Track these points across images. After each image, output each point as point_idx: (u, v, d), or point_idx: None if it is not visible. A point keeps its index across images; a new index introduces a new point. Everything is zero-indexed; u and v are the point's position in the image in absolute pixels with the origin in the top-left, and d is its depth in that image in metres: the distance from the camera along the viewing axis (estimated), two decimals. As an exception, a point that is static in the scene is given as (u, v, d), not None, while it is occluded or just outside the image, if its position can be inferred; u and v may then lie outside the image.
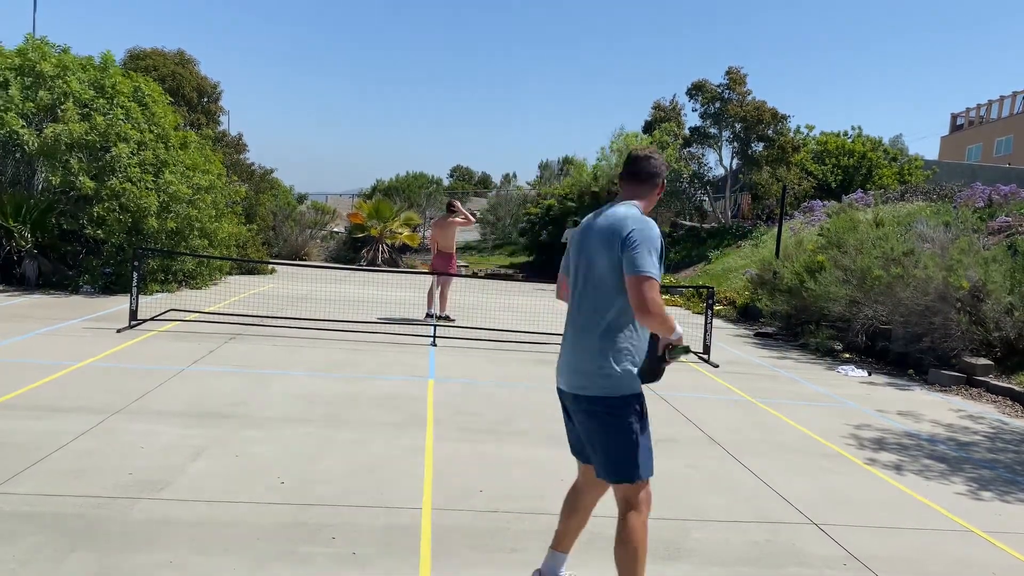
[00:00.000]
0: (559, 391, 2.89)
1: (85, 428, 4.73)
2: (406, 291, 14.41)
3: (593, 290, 2.74)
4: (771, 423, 6.35)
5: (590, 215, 2.91)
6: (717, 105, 22.54)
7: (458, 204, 11.30)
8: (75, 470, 4.03)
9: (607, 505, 4.10)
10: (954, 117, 54.82)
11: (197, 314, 9.41)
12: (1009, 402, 7.87)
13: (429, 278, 11.43)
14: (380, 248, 24.03)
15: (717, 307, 13.53)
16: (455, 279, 11.27)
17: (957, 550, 3.93)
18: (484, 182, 57.95)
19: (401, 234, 24.94)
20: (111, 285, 11.34)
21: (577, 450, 2.97)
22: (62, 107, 11.54)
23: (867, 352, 10.20)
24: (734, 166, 23.70)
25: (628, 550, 2.70)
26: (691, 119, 45.01)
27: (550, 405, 6.32)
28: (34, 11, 36.27)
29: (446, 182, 48.80)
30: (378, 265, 22.95)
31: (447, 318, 10.52)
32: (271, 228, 22.24)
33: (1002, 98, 48.79)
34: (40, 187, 12.26)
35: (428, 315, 10.60)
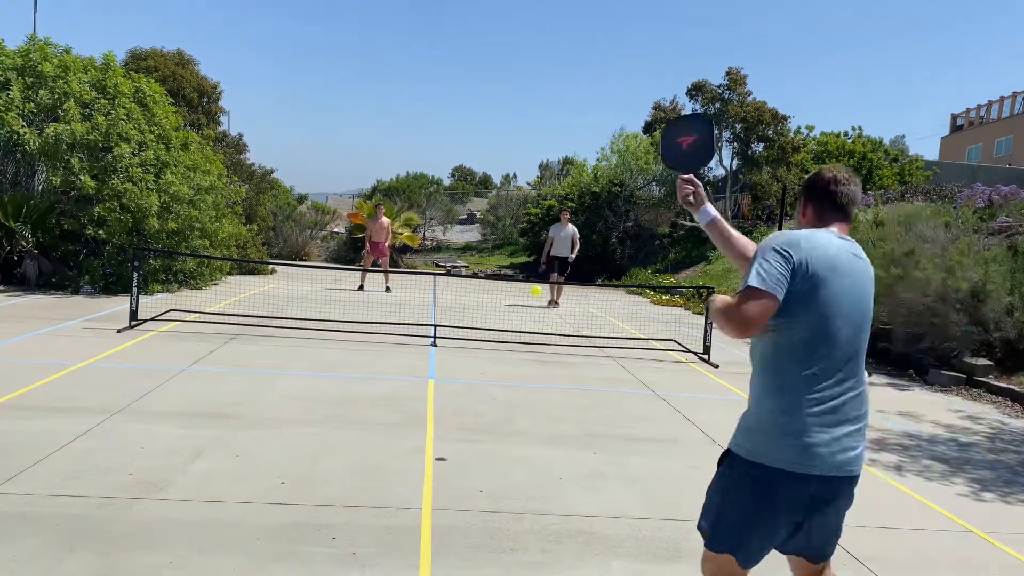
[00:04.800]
0: (817, 479, 2.15)
1: (85, 428, 4.73)
2: (406, 291, 14.41)
3: (862, 346, 2.24)
4: (771, 423, 6.35)
5: (834, 239, 2.22)
6: (717, 105, 22.55)
7: (383, 209, 15.38)
8: (75, 470, 4.03)
9: (607, 506, 4.11)
10: (954, 117, 54.82)
11: (197, 314, 9.41)
12: (1009, 403, 7.87)
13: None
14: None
15: (717, 307, 13.48)
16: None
17: (957, 550, 3.93)
18: (485, 182, 57.96)
19: (401, 234, 24.93)
20: (112, 285, 11.34)
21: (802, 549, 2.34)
22: (63, 107, 11.55)
23: (867, 352, 10.19)
24: (734, 166, 23.70)
25: None
26: (691, 119, 44.89)
27: (550, 405, 6.33)
28: (34, 12, 36.28)
29: (447, 182, 48.79)
30: (378, 265, 22.93)
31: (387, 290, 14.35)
32: (271, 228, 22.25)
33: (1002, 99, 48.80)
34: (41, 187, 12.27)
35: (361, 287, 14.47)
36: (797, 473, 2.11)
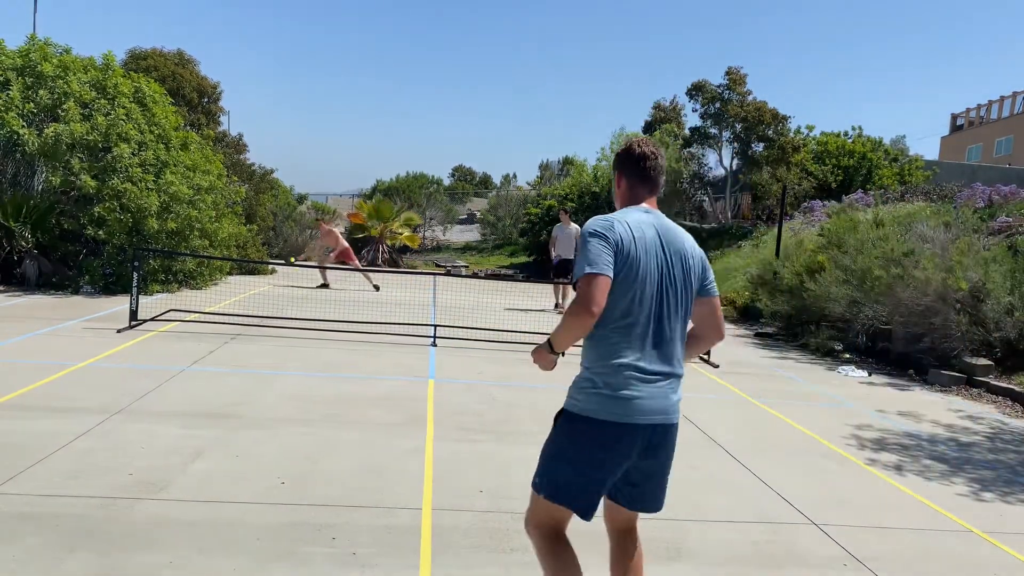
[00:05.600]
0: (643, 427, 2.37)
1: (85, 428, 4.73)
2: (406, 291, 14.41)
3: (684, 310, 2.46)
4: (771, 423, 6.35)
5: (643, 216, 2.47)
6: (717, 105, 22.56)
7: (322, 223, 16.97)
8: (75, 470, 4.03)
9: (601, 505, 4.10)
10: (954, 117, 54.82)
11: (197, 314, 9.41)
12: (1009, 402, 7.87)
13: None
14: (380, 248, 24.02)
15: (717, 307, 13.47)
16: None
17: (957, 550, 3.93)
18: (484, 182, 58.00)
19: (401, 234, 24.95)
20: (111, 285, 11.33)
21: (622, 498, 2.54)
22: (63, 107, 11.54)
23: (867, 352, 10.20)
24: (734, 166, 23.70)
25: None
26: (691, 119, 45.03)
27: (550, 405, 6.33)
28: (34, 11, 36.26)
29: (447, 182, 48.83)
30: (378, 265, 22.94)
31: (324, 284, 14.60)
32: (271, 228, 22.23)
33: (1002, 98, 48.79)
34: (41, 187, 12.27)
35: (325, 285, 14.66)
36: (625, 423, 2.32)
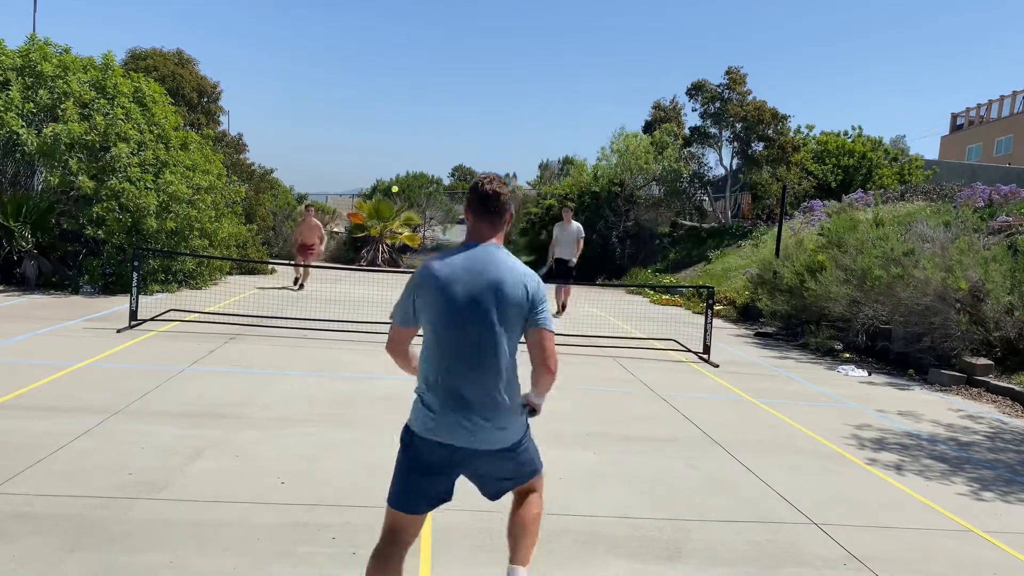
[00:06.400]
0: (449, 446, 2.57)
1: (85, 428, 4.73)
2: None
3: (502, 342, 2.55)
4: (771, 423, 6.35)
5: (456, 259, 2.58)
6: (717, 105, 22.54)
7: (311, 210, 15.21)
8: (75, 470, 4.03)
9: (607, 506, 4.11)
10: (954, 117, 54.80)
11: (197, 314, 9.41)
12: (1009, 402, 7.87)
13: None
14: (380, 248, 24.05)
15: (717, 307, 13.53)
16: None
17: (957, 550, 3.93)
18: (484, 182, 57.89)
19: (401, 234, 24.97)
20: (111, 285, 11.33)
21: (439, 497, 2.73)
22: (62, 107, 11.54)
23: (867, 352, 10.20)
24: (734, 166, 23.69)
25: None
26: (691, 119, 45.08)
27: (549, 405, 6.32)
28: (34, 11, 36.21)
29: (447, 181, 48.79)
30: (378, 265, 22.95)
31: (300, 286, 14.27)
32: (271, 228, 22.25)
33: (1002, 98, 48.77)
34: (40, 187, 12.26)
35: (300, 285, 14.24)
36: (429, 439, 2.57)
